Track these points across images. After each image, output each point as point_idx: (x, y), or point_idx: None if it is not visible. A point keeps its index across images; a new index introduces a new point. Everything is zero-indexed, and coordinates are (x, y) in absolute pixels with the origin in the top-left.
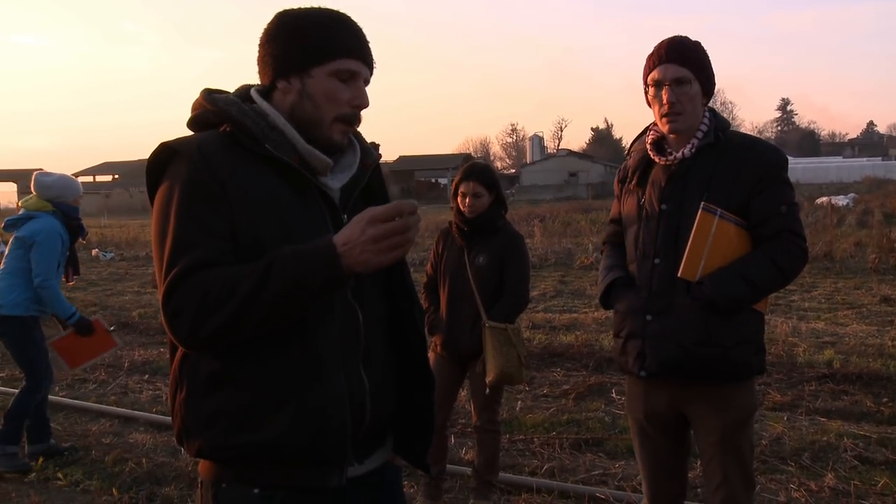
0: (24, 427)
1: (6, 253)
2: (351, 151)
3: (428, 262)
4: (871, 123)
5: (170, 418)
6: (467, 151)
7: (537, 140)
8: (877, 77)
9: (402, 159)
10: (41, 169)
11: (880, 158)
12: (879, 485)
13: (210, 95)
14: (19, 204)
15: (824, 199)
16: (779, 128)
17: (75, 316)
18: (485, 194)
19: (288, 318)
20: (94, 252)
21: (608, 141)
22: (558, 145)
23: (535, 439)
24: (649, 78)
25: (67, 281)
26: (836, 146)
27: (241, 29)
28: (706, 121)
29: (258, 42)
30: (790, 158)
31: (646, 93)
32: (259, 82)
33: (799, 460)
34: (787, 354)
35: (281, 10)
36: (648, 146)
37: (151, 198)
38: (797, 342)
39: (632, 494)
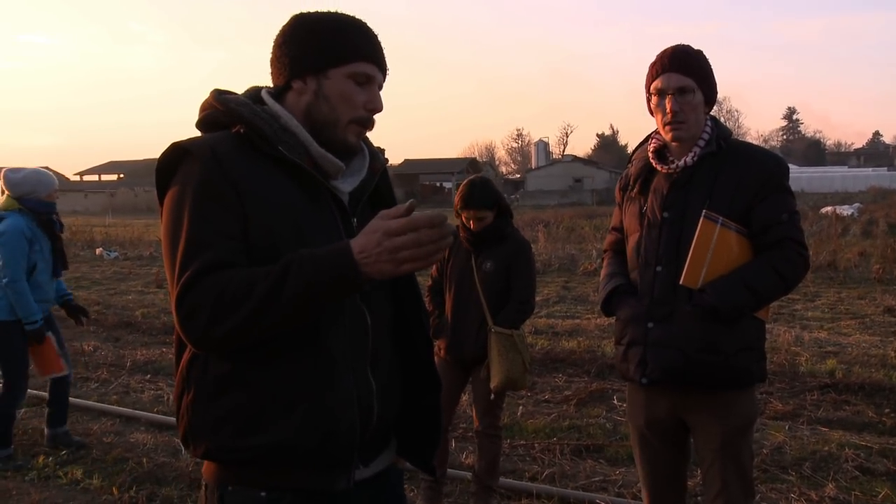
0: (10, 431)
1: None
2: (360, 156)
3: (433, 265)
4: (876, 133)
5: (171, 418)
6: (472, 156)
7: (542, 145)
8: (883, 87)
9: (407, 163)
10: (47, 167)
11: (886, 168)
12: (880, 496)
13: (221, 96)
14: None
15: (829, 208)
16: (784, 137)
17: (36, 324)
18: (488, 215)
19: (300, 322)
20: (98, 251)
21: (613, 147)
22: (563, 151)
23: (536, 445)
24: (652, 86)
25: (56, 276)
26: (842, 156)
27: (246, 30)
28: (708, 129)
29: (273, 43)
30: (795, 167)
31: (648, 101)
32: (270, 84)
33: (800, 470)
34: (790, 363)
35: (297, 12)
36: (650, 154)
37: (161, 198)
38: (800, 351)
39: (632, 501)
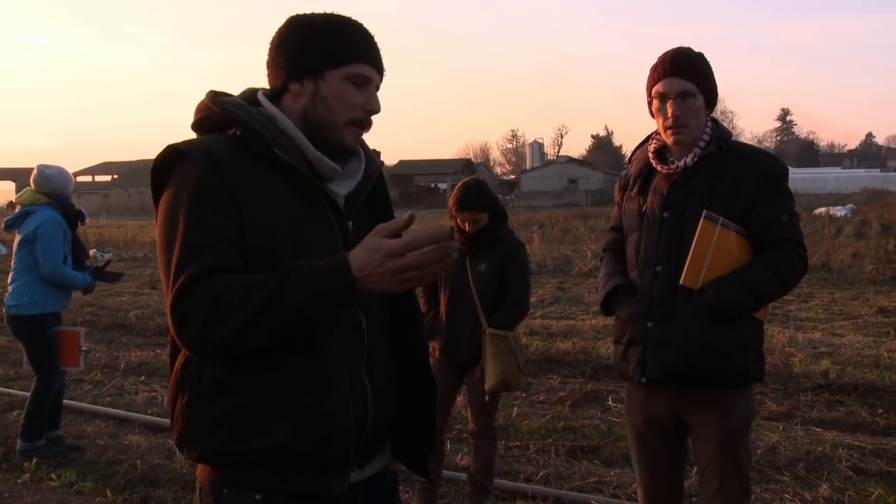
0: (45, 422)
1: (14, 254)
2: (356, 159)
3: None
4: (869, 135)
5: (165, 420)
6: (467, 157)
7: (537, 146)
8: (876, 89)
9: (402, 164)
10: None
11: (878, 169)
12: (874, 496)
13: (216, 98)
14: (14, 201)
15: (822, 209)
16: (778, 138)
17: (92, 283)
18: (483, 217)
19: (295, 332)
20: (92, 252)
21: (608, 148)
22: (558, 152)
23: (531, 446)
24: (654, 90)
25: (83, 268)
26: (835, 157)
27: (240, 31)
28: (708, 130)
29: (269, 45)
30: (789, 169)
31: (649, 104)
32: (265, 86)
33: (794, 470)
34: (784, 364)
35: (293, 14)
36: (651, 155)
37: (156, 200)
38: (794, 352)
39: (627, 503)
